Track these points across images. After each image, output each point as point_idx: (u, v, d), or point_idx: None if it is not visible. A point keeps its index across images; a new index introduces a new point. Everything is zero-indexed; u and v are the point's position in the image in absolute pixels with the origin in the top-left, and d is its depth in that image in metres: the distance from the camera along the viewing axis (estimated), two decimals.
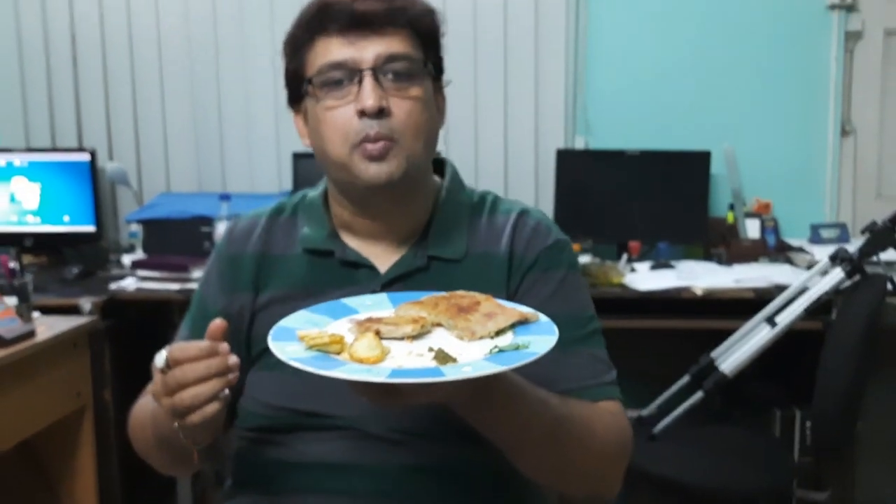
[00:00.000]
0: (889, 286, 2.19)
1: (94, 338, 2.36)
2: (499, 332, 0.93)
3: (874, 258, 2.24)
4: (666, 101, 3.15)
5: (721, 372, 2.27)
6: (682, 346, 2.53)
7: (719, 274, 2.74)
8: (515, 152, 3.15)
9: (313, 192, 1.22)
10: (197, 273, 2.57)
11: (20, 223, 3.04)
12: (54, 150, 3.14)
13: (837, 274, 2.24)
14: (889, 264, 2.37)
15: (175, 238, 2.82)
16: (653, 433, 2.32)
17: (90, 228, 3.03)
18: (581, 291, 1.16)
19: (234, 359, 0.91)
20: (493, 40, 3.10)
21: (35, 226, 3.04)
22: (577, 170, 3.04)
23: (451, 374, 0.83)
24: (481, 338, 0.92)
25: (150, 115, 3.19)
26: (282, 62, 1.15)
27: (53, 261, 3.03)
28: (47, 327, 2.10)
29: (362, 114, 1.06)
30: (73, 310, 2.41)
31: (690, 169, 3.00)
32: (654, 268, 2.82)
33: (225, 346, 0.92)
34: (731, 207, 3.01)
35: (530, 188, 3.13)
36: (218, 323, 0.93)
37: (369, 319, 0.95)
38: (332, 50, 1.08)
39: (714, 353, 2.39)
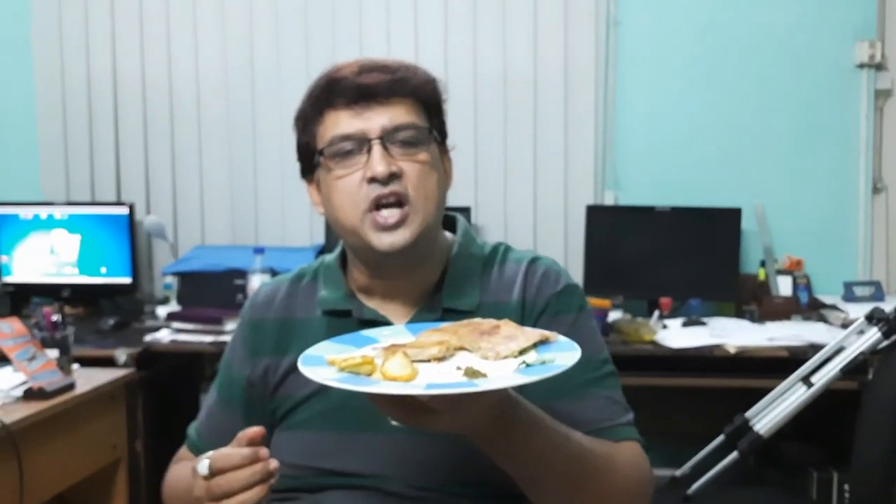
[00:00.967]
0: None
1: (130, 389, 2.38)
2: (521, 352, 0.94)
3: None
4: (696, 158, 3.16)
5: (756, 432, 2.24)
6: (714, 404, 2.51)
7: (752, 331, 2.72)
8: (545, 208, 3.16)
9: (330, 257, 1.26)
10: (230, 325, 2.60)
11: (59, 274, 3.10)
12: (94, 203, 3.21)
13: (874, 334, 2.22)
14: None
15: (209, 291, 2.87)
16: (687, 494, 2.28)
17: (126, 280, 3.08)
18: (593, 334, 1.18)
19: (274, 463, 0.95)
20: (523, 98, 3.14)
21: (73, 277, 3.10)
22: (608, 225, 3.05)
23: (484, 385, 0.84)
24: (506, 357, 0.93)
25: (187, 169, 3.26)
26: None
27: (90, 311, 3.08)
28: (86, 380, 2.12)
29: (372, 180, 1.10)
30: (109, 361, 2.44)
31: (721, 225, 2.99)
32: (685, 325, 2.81)
33: (265, 451, 0.96)
34: (763, 264, 3.00)
35: (560, 244, 3.14)
36: (256, 430, 0.97)
37: (394, 345, 0.97)
38: (341, 122, 1.12)
39: (749, 413, 2.36)
